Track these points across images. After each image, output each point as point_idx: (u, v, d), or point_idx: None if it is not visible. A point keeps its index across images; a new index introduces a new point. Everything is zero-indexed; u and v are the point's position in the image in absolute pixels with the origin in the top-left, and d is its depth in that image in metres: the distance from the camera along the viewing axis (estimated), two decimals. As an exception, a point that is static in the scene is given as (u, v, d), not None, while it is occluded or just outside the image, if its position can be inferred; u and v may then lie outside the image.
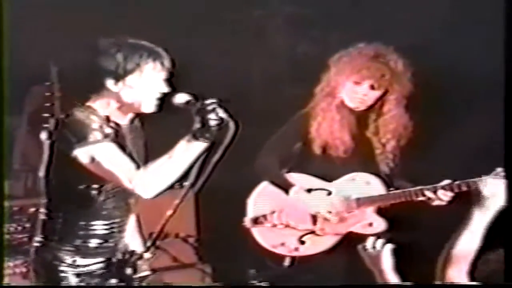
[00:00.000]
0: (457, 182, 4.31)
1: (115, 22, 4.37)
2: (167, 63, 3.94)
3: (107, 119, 3.89)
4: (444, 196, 4.33)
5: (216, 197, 4.41)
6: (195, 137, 3.88)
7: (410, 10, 4.48)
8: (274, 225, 4.52)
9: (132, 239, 4.09)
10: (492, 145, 4.34)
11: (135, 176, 3.87)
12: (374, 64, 4.39)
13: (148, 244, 4.04)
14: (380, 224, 4.46)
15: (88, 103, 3.91)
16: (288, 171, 4.57)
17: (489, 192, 3.88)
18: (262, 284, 4.54)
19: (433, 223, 4.40)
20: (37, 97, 4.35)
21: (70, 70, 4.11)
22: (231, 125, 3.85)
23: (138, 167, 3.90)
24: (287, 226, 4.52)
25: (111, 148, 3.86)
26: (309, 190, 4.54)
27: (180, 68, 3.97)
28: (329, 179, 4.52)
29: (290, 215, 4.53)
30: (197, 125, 3.88)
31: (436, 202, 4.37)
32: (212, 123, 3.86)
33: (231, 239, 4.52)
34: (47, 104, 4.13)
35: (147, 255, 4.06)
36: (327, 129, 4.46)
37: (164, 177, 3.88)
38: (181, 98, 3.91)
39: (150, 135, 4.09)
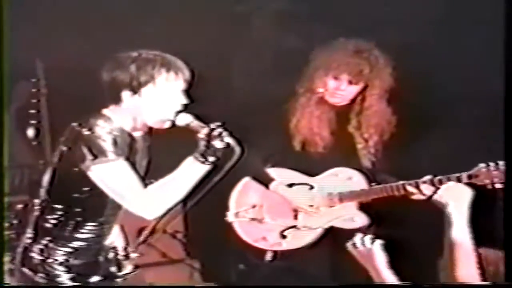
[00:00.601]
0: (438, 177, 4.31)
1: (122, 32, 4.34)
2: (183, 73, 3.92)
3: (122, 130, 3.87)
4: (426, 191, 4.32)
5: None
6: (199, 160, 3.87)
7: (397, 7, 4.46)
8: (256, 219, 4.51)
9: (117, 237, 4.12)
10: (475, 140, 4.35)
11: (139, 196, 3.85)
12: (353, 59, 4.38)
13: (139, 242, 4.06)
14: (362, 219, 4.46)
15: (104, 112, 3.90)
16: (271, 166, 4.56)
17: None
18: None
19: (417, 218, 4.40)
20: (23, 93, 4.32)
21: (87, 79, 4.07)
22: (237, 149, 3.86)
23: (145, 186, 3.89)
24: (268, 220, 4.51)
25: (123, 166, 3.83)
26: (291, 185, 4.53)
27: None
28: (311, 174, 4.51)
29: (272, 210, 4.52)
30: (201, 148, 3.88)
31: (417, 197, 4.36)
32: (218, 146, 3.87)
33: (219, 234, 4.51)
34: (34, 101, 4.16)
35: (133, 255, 4.09)
36: (306, 125, 4.46)
37: (166, 199, 3.88)
38: (183, 119, 3.92)
39: (156, 152, 4.09)
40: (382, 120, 4.48)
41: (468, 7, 4.41)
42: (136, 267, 4.15)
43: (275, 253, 4.53)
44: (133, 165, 3.89)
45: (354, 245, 3.88)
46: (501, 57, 4.19)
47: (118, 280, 4.08)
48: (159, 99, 3.88)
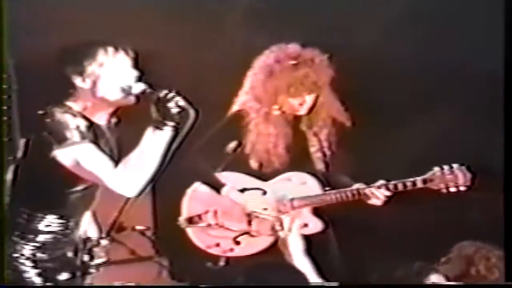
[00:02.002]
0: (393, 182, 4.34)
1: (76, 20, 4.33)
2: (124, 48, 3.97)
3: (84, 117, 3.92)
4: (380, 196, 4.34)
5: (172, 191, 4.39)
6: (159, 127, 3.88)
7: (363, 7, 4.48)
8: (209, 225, 4.44)
9: (89, 227, 4.10)
10: (431, 145, 4.41)
11: (113, 175, 3.89)
12: (296, 78, 4.36)
13: (105, 230, 4.07)
14: (316, 225, 4.44)
15: (66, 102, 3.96)
16: (222, 171, 4.50)
17: None
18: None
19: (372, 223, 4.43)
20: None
21: (39, 70, 4.11)
22: (191, 113, 3.86)
23: (116, 164, 3.92)
24: (221, 226, 4.45)
25: (90, 148, 3.89)
26: (243, 190, 4.48)
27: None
28: (264, 178, 4.48)
29: (224, 215, 4.46)
30: (157, 114, 3.89)
31: (372, 201, 4.38)
32: (173, 111, 3.87)
33: (187, 232, 4.45)
34: (5, 97, 4.15)
35: (104, 242, 4.07)
36: (262, 147, 4.43)
37: (139, 172, 3.88)
38: (137, 87, 3.94)
39: (126, 132, 4.09)
40: (331, 112, 4.46)
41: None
42: (108, 258, 4.15)
43: (228, 258, 4.47)
44: (102, 149, 3.95)
45: (273, 229, 3.92)
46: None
47: (91, 270, 4.06)
48: (108, 75, 3.96)
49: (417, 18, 4.42)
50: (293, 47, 4.40)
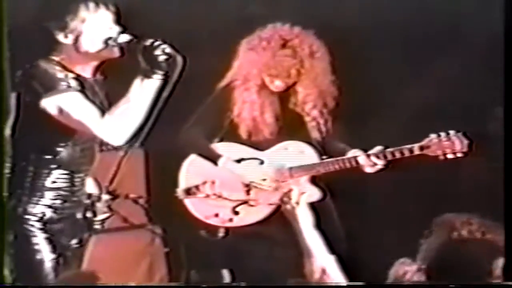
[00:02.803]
0: (390, 149, 4.33)
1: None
2: (105, 4, 4.04)
3: (71, 71, 4.02)
4: (378, 163, 4.33)
5: (166, 158, 4.38)
6: (147, 75, 3.93)
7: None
8: (207, 196, 4.45)
9: (88, 185, 4.21)
10: (428, 110, 4.38)
11: (101, 123, 3.98)
12: (280, 61, 4.33)
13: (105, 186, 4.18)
14: (314, 193, 4.44)
15: (52, 57, 4.05)
16: (218, 141, 4.49)
17: None
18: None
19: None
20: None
21: (23, 28, 4.17)
22: (179, 59, 3.90)
23: (103, 114, 4.01)
24: (220, 196, 4.46)
25: (77, 97, 3.97)
26: (240, 160, 4.48)
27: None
28: (261, 148, 4.47)
29: (222, 186, 4.46)
30: (143, 64, 3.95)
31: (368, 169, 4.37)
32: (160, 59, 3.94)
33: (181, 200, 4.46)
34: None
35: (105, 197, 4.17)
36: (248, 115, 4.40)
37: (128, 121, 3.97)
38: (123, 38, 4.01)
39: (113, 87, 4.14)
40: (320, 90, 4.44)
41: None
42: (103, 224, 4.24)
43: (227, 229, 4.48)
44: (89, 98, 4.03)
45: (282, 201, 3.93)
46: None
47: (97, 226, 4.16)
48: (91, 30, 4.02)
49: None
50: (290, 29, 4.36)
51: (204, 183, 4.46)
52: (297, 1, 4.39)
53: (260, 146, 4.47)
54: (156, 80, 3.95)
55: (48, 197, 4.03)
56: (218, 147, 4.48)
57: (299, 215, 4.34)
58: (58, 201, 4.04)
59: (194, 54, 4.23)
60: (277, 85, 4.40)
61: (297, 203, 4.38)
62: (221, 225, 4.47)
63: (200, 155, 4.47)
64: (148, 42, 3.95)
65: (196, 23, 4.30)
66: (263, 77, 4.39)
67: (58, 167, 4.04)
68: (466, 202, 4.32)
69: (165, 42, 3.96)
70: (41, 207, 4.00)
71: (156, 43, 3.94)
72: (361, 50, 4.34)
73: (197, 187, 4.45)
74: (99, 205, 4.18)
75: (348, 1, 4.38)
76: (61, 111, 3.93)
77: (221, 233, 4.48)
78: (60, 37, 4.02)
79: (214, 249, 4.49)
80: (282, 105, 4.46)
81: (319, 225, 4.39)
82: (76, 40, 4.01)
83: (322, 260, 4.39)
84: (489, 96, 4.32)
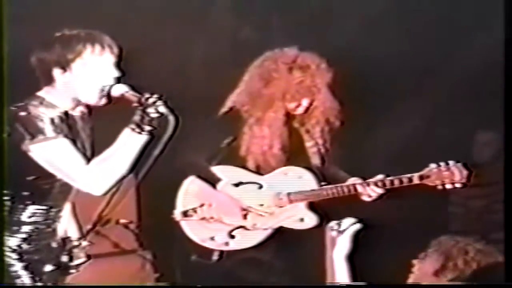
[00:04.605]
0: (390, 178, 4.32)
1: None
2: (110, 46, 3.96)
3: (59, 110, 3.96)
4: (372, 192, 4.32)
5: (157, 184, 4.34)
6: (135, 130, 3.87)
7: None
8: (204, 218, 4.43)
9: (68, 226, 4.11)
10: (428, 141, 4.37)
11: (83, 173, 3.92)
12: (292, 85, 4.33)
13: (87, 228, 4.08)
14: (311, 219, 4.42)
15: (39, 94, 3.97)
16: (217, 164, 4.47)
17: None
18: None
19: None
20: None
21: (18, 61, 4.12)
22: (171, 119, 3.84)
23: (88, 162, 3.96)
24: (216, 220, 4.43)
25: (63, 144, 3.91)
26: (238, 184, 4.46)
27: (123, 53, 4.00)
28: (260, 173, 4.45)
29: (220, 209, 4.44)
30: (136, 118, 3.91)
31: (366, 198, 4.36)
32: (152, 116, 3.91)
33: (172, 225, 4.42)
34: None
35: (84, 243, 4.11)
36: (258, 149, 4.40)
37: (110, 172, 3.91)
38: (117, 89, 3.95)
39: (99, 128, 4.09)
40: (326, 112, 4.43)
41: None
42: (88, 257, 4.18)
43: (222, 252, 4.45)
44: (75, 144, 3.96)
45: (330, 228, 3.88)
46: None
47: (72, 271, 4.10)
48: (89, 73, 3.95)
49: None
50: (289, 52, 4.37)
51: (202, 205, 4.43)
52: (288, 24, 4.40)
53: (260, 170, 4.45)
54: (143, 136, 3.93)
55: (25, 230, 3.98)
56: (218, 170, 4.46)
57: (338, 243, 4.28)
58: (34, 234, 3.99)
59: (189, 83, 4.25)
60: (304, 105, 4.38)
61: (344, 231, 4.33)
62: (217, 248, 4.43)
63: (199, 177, 4.45)
64: (144, 97, 3.91)
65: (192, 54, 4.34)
66: (286, 106, 4.39)
67: (34, 203, 3.99)
68: (464, 226, 4.31)
69: (161, 98, 3.91)
70: (17, 240, 3.96)
71: (151, 100, 3.90)
72: (361, 78, 4.35)
73: (194, 209, 4.43)
74: (76, 250, 4.13)
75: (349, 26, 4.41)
76: (45, 158, 3.89)
77: (215, 257, 4.44)
78: (57, 72, 3.97)
79: (207, 274, 4.45)
80: (289, 128, 4.45)
81: (352, 257, 4.34)
82: (72, 80, 3.95)
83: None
84: (490, 124, 4.33)
